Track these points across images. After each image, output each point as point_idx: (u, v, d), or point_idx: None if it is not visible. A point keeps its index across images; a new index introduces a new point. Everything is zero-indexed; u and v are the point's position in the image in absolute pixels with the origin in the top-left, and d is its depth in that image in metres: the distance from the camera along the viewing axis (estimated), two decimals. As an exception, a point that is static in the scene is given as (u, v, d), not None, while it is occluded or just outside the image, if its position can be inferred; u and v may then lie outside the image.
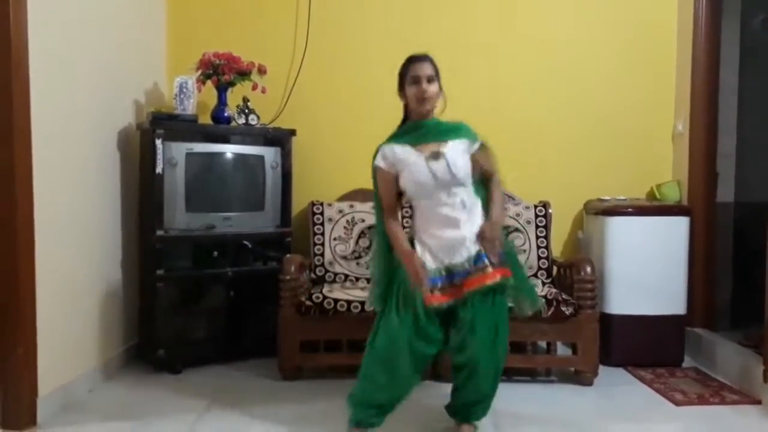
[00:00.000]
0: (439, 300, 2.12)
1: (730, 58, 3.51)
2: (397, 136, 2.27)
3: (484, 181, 2.27)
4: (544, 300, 2.72)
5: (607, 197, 3.45)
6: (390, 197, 2.24)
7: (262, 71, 3.36)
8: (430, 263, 2.15)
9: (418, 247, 2.18)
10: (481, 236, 2.14)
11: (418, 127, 2.24)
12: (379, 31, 3.66)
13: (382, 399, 2.24)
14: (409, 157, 2.18)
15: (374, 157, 2.26)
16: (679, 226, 3.23)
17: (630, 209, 3.26)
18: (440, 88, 2.25)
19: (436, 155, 2.15)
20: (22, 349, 2.34)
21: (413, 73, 2.22)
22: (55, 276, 2.53)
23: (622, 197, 3.45)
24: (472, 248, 2.15)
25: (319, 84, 3.65)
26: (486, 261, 2.12)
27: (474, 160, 2.21)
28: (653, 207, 3.33)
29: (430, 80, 2.21)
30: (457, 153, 2.17)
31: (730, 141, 3.54)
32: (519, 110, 3.64)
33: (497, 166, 2.29)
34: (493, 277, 2.12)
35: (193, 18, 3.65)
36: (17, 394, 2.35)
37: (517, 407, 2.64)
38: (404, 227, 2.39)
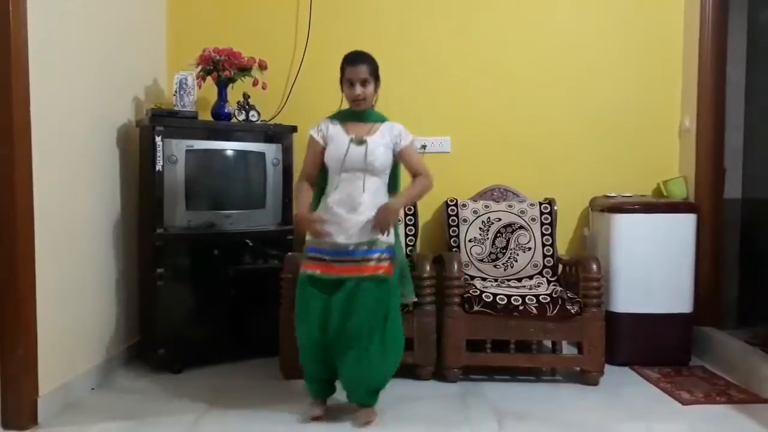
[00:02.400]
0: (312, 268, 2.35)
1: (737, 53, 3.47)
2: (335, 116, 2.51)
3: (413, 177, 2.48)
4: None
5: (613, 194, 3.42)
6: (311, 165, 2.49)
7: (262, 67, 3.33)
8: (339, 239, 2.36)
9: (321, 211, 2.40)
10: (376, 215, 2.33)
11: (352, 113, 2.47)
12: (381, 25, 3.62)
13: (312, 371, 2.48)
14: (337, 135, 2.43)
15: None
16: (686, 223, 3.19)
17: (636, 206, 3.22)
18: (377, 85, 2.45)
19: (359, 141, 2.38)
20: (23, 348, 2.33)
21: (348, 76, 2.41)
22: (55, 275, 2.51)
23: (628, 194, 3.41)
24: (364, 236, 2.34)
25: (320, 80, 3.59)
26: (375, 255, 2.33)
27: (401, 156, 2.44)
28: (660, 204, 3.29)
29: (364, 83, 2.40)
30: (378, 144, 2.39)
31: (737, 137, 3.50)
32: (524, 107, 3.60)
33: (424, 168, 2.48)
34: (374, 270, 2.33)
35: (193, 13, 3.62)
36: (18, 394, 2.34)
37: (522, 407, 2.61)
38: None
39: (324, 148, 2.44)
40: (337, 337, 2.34)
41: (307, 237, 2.43)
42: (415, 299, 2.68)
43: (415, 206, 3.43)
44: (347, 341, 2.34)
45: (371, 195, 2.38)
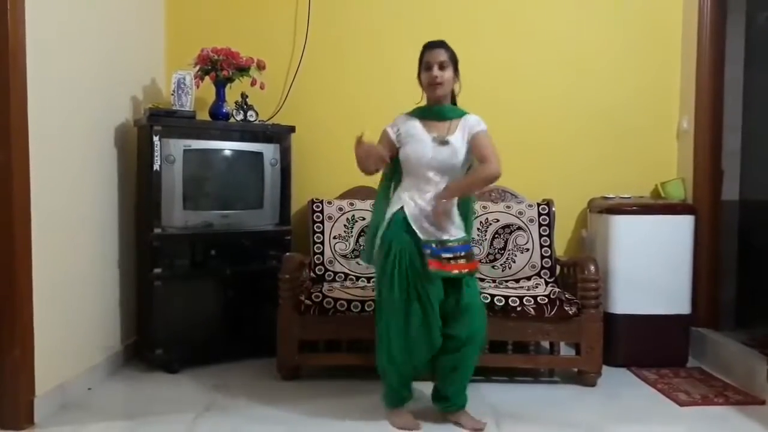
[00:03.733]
0: (438, 267, 2.28)
1: (735, 54, 3.47)
2: (409, 113, 2.44)
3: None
4: None
5: (611, 195, 3.42)
6: (378, 147, 2.38)
7: (261, 67, 3.33)
8: (422, 234, 2.31)
9: (410, 217, 2.32)
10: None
11: (429, 109, 2.40)
12: (380, 25, 3.62)
13: (407, 374, 2.40)
14: (418, 133, 2.36)
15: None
16: (684, 224, 3.20)
17: (634, 207, 3.22)
18: (456, 74, 2.38)
19: (443, 141, 2.32)
20: (19, 348, 2.32)
21: (426, 59, 2.37)
22: (52, 275, 2.50)
23: (626, 195, 3.41)
24: (454, 232, 2.35)
25: (318, 80, 3.61)
26: (465, 252, 2.34)
27: (472, 142, 2.35)
28: (658, 205, 3.29)
29: (442, 66, 2.34)
30: (459, 143, 2.34)
31: (735, 138, 3.50)
32: (523, 108, 3.60)
33: (494, 155, 2.34)
34: (471, 266, 2.36)
35: (191, 13, 3.62)
36: (14, 394, 2.33)
37: (519, 408, 2.61)
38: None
39: (394, 145, 2.39)
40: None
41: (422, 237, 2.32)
42: None
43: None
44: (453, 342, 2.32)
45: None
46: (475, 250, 3.28)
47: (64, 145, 2.61)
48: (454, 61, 2.37)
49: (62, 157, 2.59)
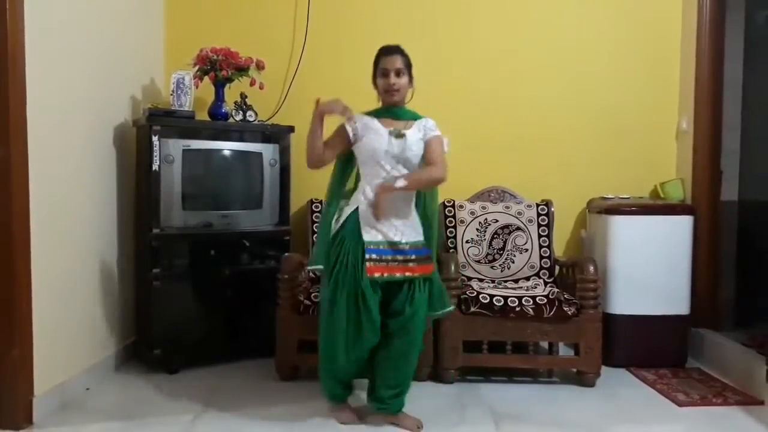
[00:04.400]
0: (380, 272, 2.26)
1: (734, 54, 3.47)
2: (369, 112, 2.46)
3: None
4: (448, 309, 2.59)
5: (610, 195, 3.42)
6: (332, 142, 2.42)
7: (260, 67, 3.33)
8: (371, 235, 2.30)
9: (361, 217, 2.31)
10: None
11: (387, 110, 2.43)
12: (380, 25, 3.62)
13: (342, 375, 2.42)
14: (375, 127, 2.37)
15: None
16: (683, 225, 3.20)
17: (633, 208, 3.22)
18: (410, 79, 2.42)
19: (399, 134, 2.34)
20: (18, 348, 2.32)
21: (382, 66, 2.38)
22: (51, 274, 2.50)
23: (625, 195, 3.41)
24: (408, 232, 2.34)
25: (318, 80, 3.61)
26: (424, 254, 2.34)
27: (425, 145, 2.37)
28: (657, 206, 3.29)
29: (398, 73, 2.37)
30: (415, 137, 2.36)
31: (734, 138, 3.51)
32: (522, 108, 3.60)
33: (444, 162, 2.38)
34: (422, 270, 2.32)
35: (191, 13, 3.61)
36: (13, 394, 2.33)
37: (518, 408, 2.62)
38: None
39: (350, 139, 2.38)
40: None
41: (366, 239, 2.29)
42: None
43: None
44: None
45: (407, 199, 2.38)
46: (474, 251, 3.29)
47: (63, 144, 2.61)
48: (409, 67, 2.40)
49: (61, 156, 2.59)
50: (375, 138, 2.34)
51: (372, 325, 2.27)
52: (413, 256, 2.32)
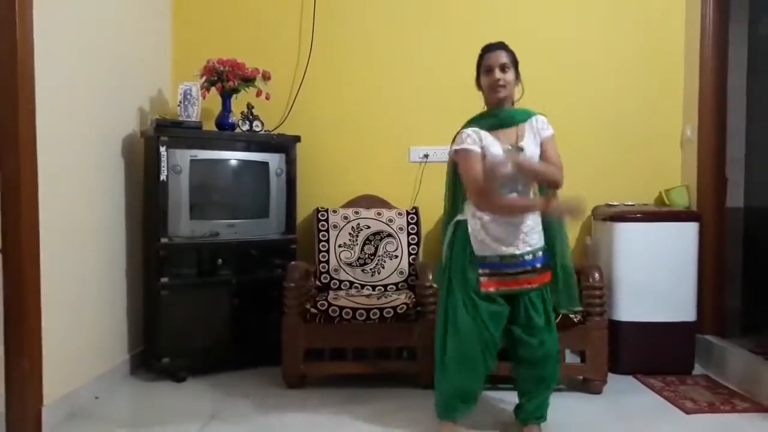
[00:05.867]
0: (494, 287, 2.23)
1: (738, 63, 3.48)
2: (474, 122, 2.31)
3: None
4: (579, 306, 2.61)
5: (615, 203, 3.42)
6: (479, 175, 2.20)
7: (266, 77, 3.36)
8: (486, 249, 2.24)
9: (471, 232, 2.25)
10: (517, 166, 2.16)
11: (493, 115, 2.29)
12: (384, 36, 3.65)
13: (463, 388, 2.32)
14: (491, 145, 2.23)
15: (453, 142, 2.30)
16: (689, 231, 3.19)
17: (638, 215, 3.22)
18: (517, 75, 2.31)
19: (516, 150, 2.22)
20: (28, 357, 2.34)
21: (487, 63, 2.28)
22: (60, 284, 2.52)
23: (630, 203, 3.42)
24: (532, 242, 2.26)
25: (323, 90, 3.64)
26: (540, 264, 2.26)
27: (541, 146, 2.29)
28: (662, 213, 3.29)
29: (503, 68, 2.26)
30: (531, 147, 2.25)
31: (739, 145, 3.50)
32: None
33: (560, 164, 2.33)
34: (542, 280, 2.28)
35: (197, 24, 3.66)
36: (23, 403, 2.35)
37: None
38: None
39: (484, 155, 2.22)
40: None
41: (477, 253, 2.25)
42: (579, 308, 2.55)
43: (417, 215, 3.45)
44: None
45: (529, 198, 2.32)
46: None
47: (72, 155, 2.64)
48: (515, 62, 2.29)
49: (70, 167, 2.62)
50: (494, 159, 2.20)
51: (491, 341, 2.26)
52: (530, 267, 2.27)
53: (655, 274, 3.14)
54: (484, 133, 2.25)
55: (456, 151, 2.26)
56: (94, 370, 2.81)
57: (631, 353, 3.13)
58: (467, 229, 2.28)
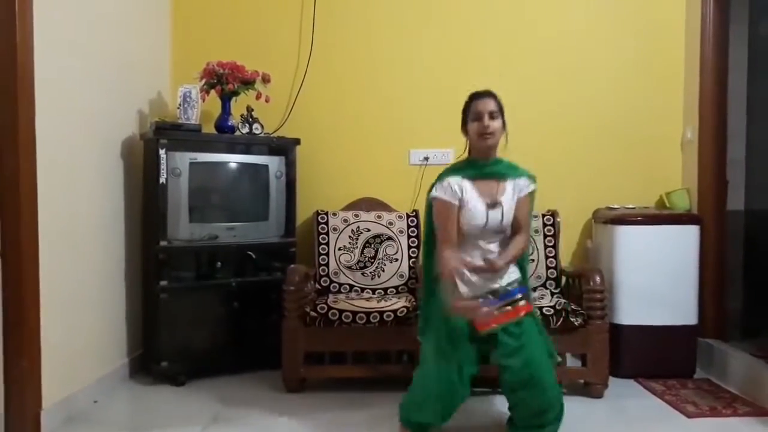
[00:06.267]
0: (494, 323, 2.17)
1: (738, 65, 3.47)
2: (458, 170, 2.33)
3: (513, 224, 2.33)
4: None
5: (616, 206, 3.42)
6: (452, 228, 2.26)
7: (266, 80, 3.36)
8: (475, 289, 2.22)
9: (456, 276, 2.22)
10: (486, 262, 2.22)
11: (479, 167, 2.31)
12: (384, 38, 3.65)
13: (430, 418, 2.28)
14: (471, 197, 2.27)
15: (432, 188, 2.33)
16: (689, 234, 3.19)
17: (639, 218, 3.22)
18: (504, 124, 2.30)
19: (494, 204, 2.26)
20: (26, 361, 2.33)
21: (476, 109, 2.28)
22: (59, 287, 2.51)
23: (631, 206, 3.41)
24: (512, 273, 2.28)
25: (323, 92, 3.64)
26: (519, 294, 2.22)
27: (516, 203, 2.31)
28: (663, 216, 3.28)
29: (492, 116, 2.27)
30: (509, 202, 2.30)
31: (739, 148, 3.50)
32: (526, 118, 3.59)
33: (528, 224, 2.38)
34: (524, 309, 2.22)
35: (197, 27, 3.65)
36: (21, 407, 2.34)
37: (525, 420, 2.59)
38: None
39: (459, 208, 2.26)
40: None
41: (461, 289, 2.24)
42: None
43: (417, 218, 3.44)
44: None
45: (502, 248, 2.32)
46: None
47: (71, 157, 2.64)
48: (502, 110, 2.30)
49: (69, 169, 2.62)
50: (473, 213, 2.25)
51: (457, 380, 2.23)
52: (518, 295, 2.24)
53: (656, 278, 3.13)
54: (466, 185, 2.28)
55: (434, 198, 2.30)
56: (92, 374, 2.80)
57: (632, 357, 3.12)
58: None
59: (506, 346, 2.22)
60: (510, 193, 2.32)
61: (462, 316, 2.18)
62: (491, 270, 2.22)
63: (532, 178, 2.37)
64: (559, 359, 2.47)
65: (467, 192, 2.27)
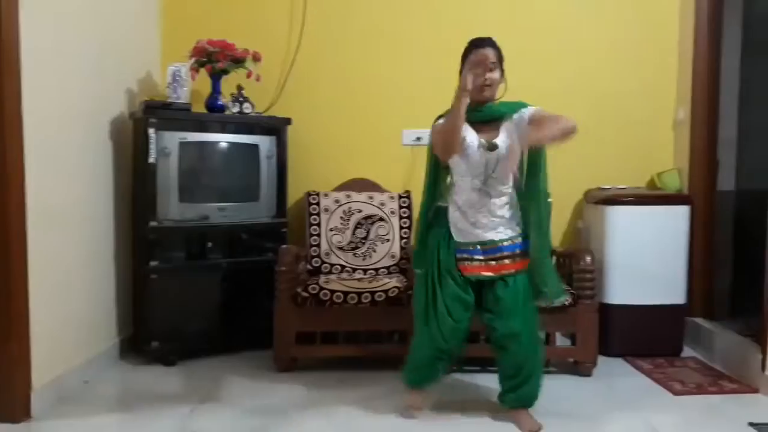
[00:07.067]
0: (476, 271, 2.28)
1: (731, 45, 3.46)
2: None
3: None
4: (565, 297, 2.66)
5: (607, 186, 3.42)
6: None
7: (256, 59, 3.32)
8: (466, 236, 2.30)
9: (451, 219, 2.32)
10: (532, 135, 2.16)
11: (475, 109, 2.27)
12: (377, 16, 3.61)
13: (429, 355, 2.40)
14: (469, 134, 2.25)
15: (434, 124, 2.35)
16: (680, 215, 3.20)
17: (630, 198, 3.22)
18: (502, 73, 2.29)
19: (491, 147, 2.23)
20: (16, 341, 2.32)
21: (475, 59, 2.25)
22: (48, 268, 2.50)
23: (622, 186, 3.42)
24: (511, 230, 2.31)
25: (314, 72, 3.60)
26: (518, 250, 2.29)
27: (531, 123, 2.22)
28: (654, 196, 3.30)
29: (491, 68, 2.24)
30: (506, 142, 2.25)
31: (731, 128, 3.50)
32: (518, 98, 3.58)
33: (558, 115, 2.21)
34: (519, 266, 2.30)
35: (187, 4, 3.60)
36: (11, 387, 2.33)
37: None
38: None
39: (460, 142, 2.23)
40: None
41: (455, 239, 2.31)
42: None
43: (409, 199, 3.43)
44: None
45: (501, 199, 2.30)
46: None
47: (59, 137, 2.60)
48: (501, 60, 2.27)
49: (57, 149, 2.58)
50: (468, 151, 2.24)
51: (447, 318, 2.30)
52: (506, 252, 2.29)
53: (646, 258, 3.15)
54: (468, 130, 2.26)
55: (432, 132, 2.32)
56: (83, 355, 2.79)
57: (621, 336, 3.15)
58: (446, 215, 2.34)
59: (497, 307, 2.30)
60: (504, 134, 2.27)
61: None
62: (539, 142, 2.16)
63: (526, 107, 2.28)
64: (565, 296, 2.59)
65: (466, 129, 2.24)
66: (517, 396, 2.38)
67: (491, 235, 2.30)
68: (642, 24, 3.59)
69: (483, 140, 2.25)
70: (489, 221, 2.30)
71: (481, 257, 2.30)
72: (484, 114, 2.29)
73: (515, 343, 2.31)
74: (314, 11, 3.56)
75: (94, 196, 2.92)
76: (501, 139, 2.26)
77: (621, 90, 3.59)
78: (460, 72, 2.31)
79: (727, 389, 2.72)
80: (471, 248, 2.30)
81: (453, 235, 2.32)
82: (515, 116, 2.28)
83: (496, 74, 2.25)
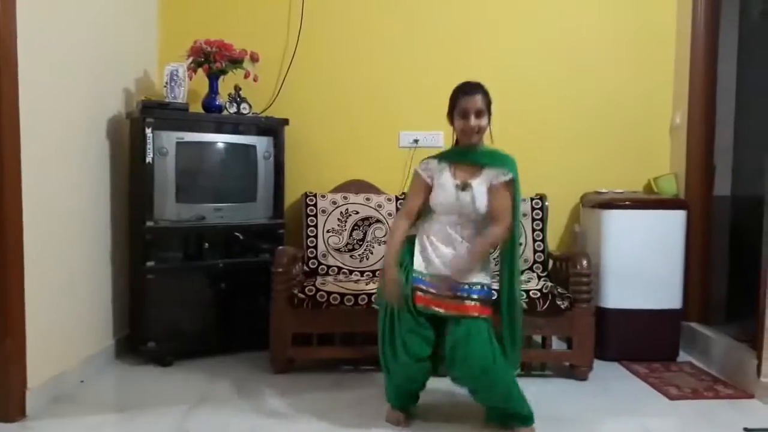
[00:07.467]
0: (424, 303, 2.24)
1: (728, 50, 3.48)
2: (443, 154, 2.39)
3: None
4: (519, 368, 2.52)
5: (604, 190, 3.43)
6: (415, 201, 2.35)
7: (254, 59, 3.32)
8: (429, 267, 2.28)
9: (418, 245, 2.32)
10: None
11: (461, 152, 2.34)
12: (375, 18, 3.61)
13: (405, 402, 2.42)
14: (444, 178, 2.29)
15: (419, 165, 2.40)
16: (676, 219, 3.21)
17: (627, 202, 3.23)
18: (489, 120, 2.30)
19: (464, 186, 2.25)
20: (11, 340, 2.32)
21: (463, 106, 2.26)
22: (44, 267, 2.49)
23: (619, 190, 3.42)
24: (476, 276, 2.26)
25: (312, 72, 3.60)
26: (476, 295, 2.23)
27: (489, 191, 2.25)
28: (650, 200, 3.30)
29: (478, 114, 2.25)
30: (480, 189, 2.25)
31: (727, 133, 3.52)
32: (516, 103, 3.59)
33: (505, 213, 2.26)
34: (475, 310, 2.22)
35: (184, 4, 3.59)
36: (6, 386, 2.33)
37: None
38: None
39: (430, 187, 2.31)
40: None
41: (415, 266, 2.29)
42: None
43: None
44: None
45: (474, 238, 2.27)
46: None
47: (56, 137, 2.59)
48: (489, 105, 2.28)
49: (54, 149, 2.58)
50: (443, 190, 2.27)
51: (410, 350, 2.25)
52: (470, 295, 2.23)
53: (643, 262, 3.16)
54: (445, 167, 2.31)
55: (414, 173, 2.40)
56: (79, 354, 2.78)
57: (617, 340, 3.16)
58: (414, 244, 2.32)
59: (448, 340, 2.23)
60: (483, 178, 2.27)
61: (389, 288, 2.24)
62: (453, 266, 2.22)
63: (512, 168, 2.29)
64: (518, 371, 2.42)
65: (444, 173, 2.30)
66: (507, 415, 2.32)
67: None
68: (639, 30, 3.60)
69: (458, 181, 2.27)
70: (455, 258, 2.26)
71: (434, 291, 2.24)
72: (468, 159, 2.31)
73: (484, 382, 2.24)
74: (312, 12, 3.56)
75: (91, 196, 2.91)
76: (477, 182, 2.26)
77: (618, 95, 3.60)
78: (448, 114, 2.32)
79: (723, 394, 2.73)
80: (428, 279, 2.25)
81: (415, 262, 2.28)
82: (496, 171, 2.27)
83: (483, 121, 2.26)
